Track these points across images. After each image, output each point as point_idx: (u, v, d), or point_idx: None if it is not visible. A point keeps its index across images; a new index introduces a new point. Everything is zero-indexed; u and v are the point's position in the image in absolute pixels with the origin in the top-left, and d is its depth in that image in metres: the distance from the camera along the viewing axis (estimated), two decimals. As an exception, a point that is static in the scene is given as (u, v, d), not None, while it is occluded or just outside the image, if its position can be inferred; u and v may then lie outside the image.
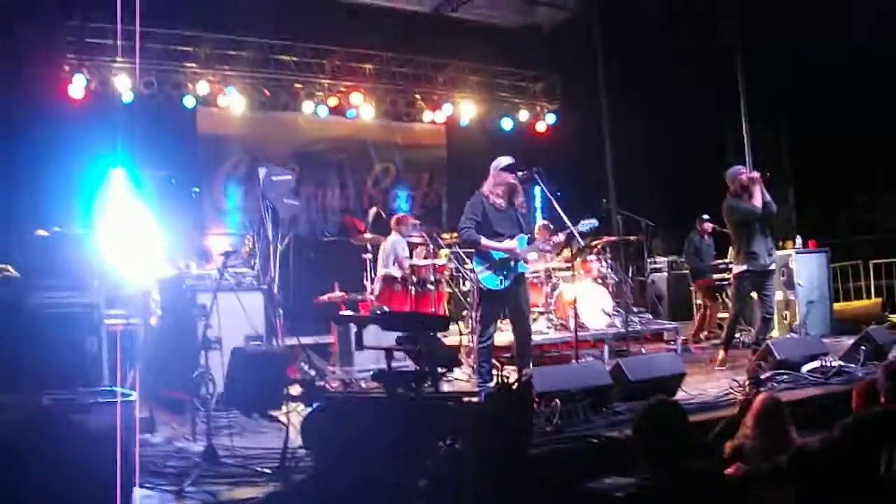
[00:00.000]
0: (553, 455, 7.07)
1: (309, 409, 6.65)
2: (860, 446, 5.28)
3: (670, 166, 17.95)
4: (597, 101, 18.58)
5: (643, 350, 13.40)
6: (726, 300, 14.27)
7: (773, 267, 11.55)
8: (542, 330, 12.90)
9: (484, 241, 9.58)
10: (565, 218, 9.75)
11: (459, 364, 11.20)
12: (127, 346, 8.59)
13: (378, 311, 9.34)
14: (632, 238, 14.82)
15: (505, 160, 9.79)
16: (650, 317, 15.11)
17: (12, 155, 12.55)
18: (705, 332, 15.06)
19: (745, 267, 11.29)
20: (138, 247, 10.80)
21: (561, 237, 9.93)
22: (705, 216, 14.70)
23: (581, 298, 12.56)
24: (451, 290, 13.22)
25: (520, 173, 9.74)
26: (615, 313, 13.65)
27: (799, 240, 15.16)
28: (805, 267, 14.64)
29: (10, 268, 8.89)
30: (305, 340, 10.64)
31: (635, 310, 14.62)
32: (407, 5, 17.70)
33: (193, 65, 16.03)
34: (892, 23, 15.34)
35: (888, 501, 5.05)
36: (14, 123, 12.74)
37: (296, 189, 11.32)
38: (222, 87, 16.32)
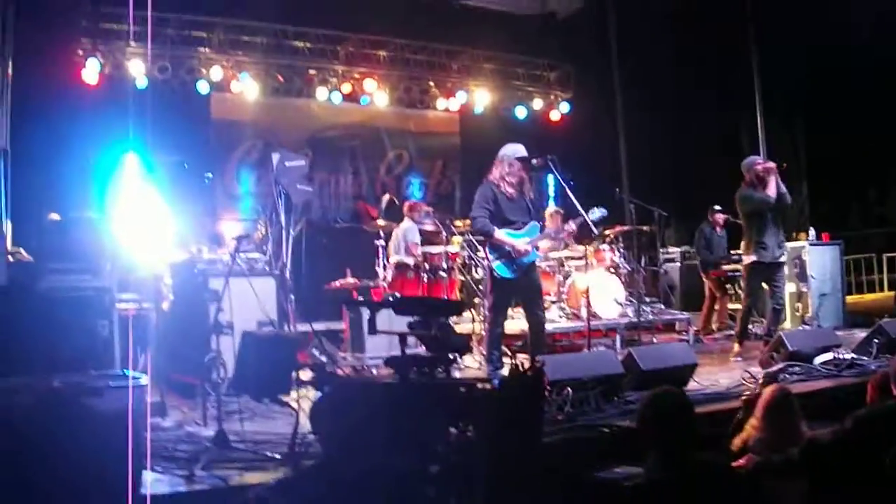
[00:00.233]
0: (564, 444, 7.06)
1: (318, 394, 6.65)
2: (872, 440, 5.26)
3: (684, 157, 17.94)
4: (611, 91, 18.53)
5: (655, 340, 13.39)
6: (738, 291, 14.23)
7: (783, 259, 11.52)
8: (553, 319, 12.88)
9: (497, 233, 9.56)
10: (579, 206, 9.72)
11: (470, 350, 11.22)
12: (138, 330, 8.60)
13: (391, 297, 9.34)
14: (644, 228, 14.81)
15: (517, 150, 9.73)
16: (662, 307, 15.09)
17: (26, 139, 12.55)
18: (716, 324, 15.03)
19: (754, 258, 11.26)
20: (151, 231, 10.81)
21: (573, 225, 9.89)
22: (717, 207, 14.64)
23: (593, 288, 12.54)
24: (463, 278, 13.20)
25: (534, 161, 9.72)
26: (627, 303, 13.64)
27: (812, 232, 15.11)
28: (818, 259, 14.61)
29: (22, 251, 8.92)
30: (317, 327, 10.62)
31: (647, 300, 14.60)
32: (421, -8, 17.68)
33: (207, 50, 16.02)
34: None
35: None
36: (28, 107, 12.74)
37: (309, 175, 11.30)
38: (236, 73, 16.30)
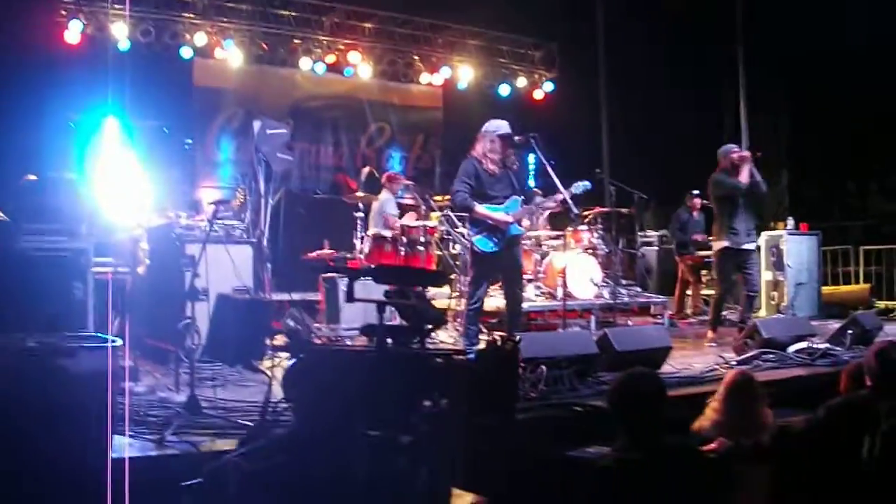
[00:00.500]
0: (536, 421, 7.07)
1: (291, 361, 6.62)
2: (844, 429, 5.28)
3: (665, 141, 17.96)
4: (595, 72, 18.54)
5: (630, 322, 13.40)
6: (712, 276, 14.28)
7: (751, 246, 11.51)
8: (530, 297, 12.87)
9: (477, 207, 9.52)
10: (559, 185, 9.69)
11: (446, 325, 11.22)
12: (114, 294, 8.57)
13: (371, 267, 9.32)
14: (623, 210, 14.82)
15: (500, 126, 9.68)
16: (638, 290, 15.12)
17: (4, 98, 12.47)
18: (691, 308, 15.09)
19: (725, 243, 11.28)
20: (129, 195, 10.77)
21: (557, 199, 9.82)
22: (695, 192, 14.66)
23: (570, 268, 12.57)
24: (440, 253, 13.18)
25: (515, 139, 9.68)
26: (603, 284, 13.65)
27: (791, 221, 15.15)
28: (795, 248, 14.68)
29: (-1, 211, 8.86)
30: (292, 297, 10.61)
31: (624, 282, 14.62)
32: (409, -34, 17.62)
33: (192, 15, 15.90)
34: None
35: (867, 485, 5.06)
36: (7, 67, 12.65)
37: (289, 144, 11.24)
38: (220, 40, 16.19)
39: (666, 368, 9.03)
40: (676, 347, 9.86)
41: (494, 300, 11.48)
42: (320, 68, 17.42)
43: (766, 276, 14.69)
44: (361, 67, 17.74)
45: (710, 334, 11.62)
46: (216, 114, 17.03)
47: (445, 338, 11.31)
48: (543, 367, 7.90)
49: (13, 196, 8.88)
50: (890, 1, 15.39)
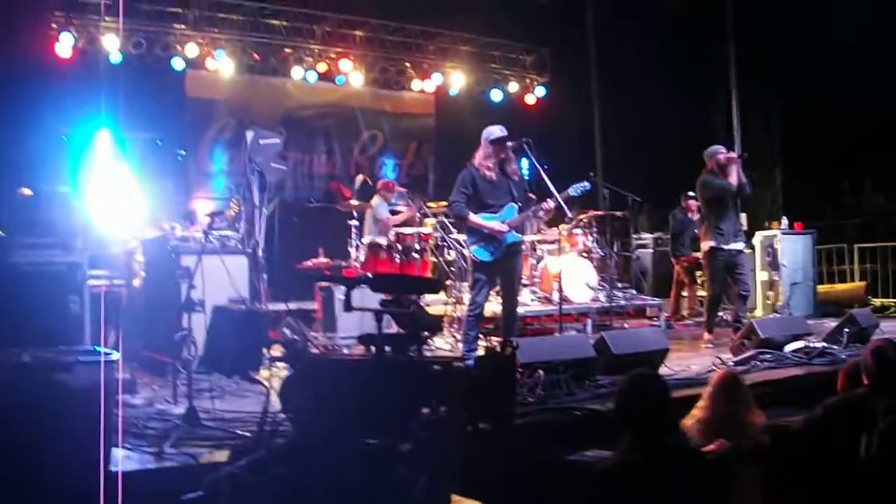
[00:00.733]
0: (535, 426, 7.07)
1: (288, 372, 6.61)
2: (841, 428, 5.28)
3: (658, 144, 17.98)
4: (587, 76, 18.54)
5: (626, 325, 13.39)
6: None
7: (740, 246, 11.50)
8: (525, 302, 12.86)
9: (471, 217, 9.50)
10: (553, 189, 9.68)
11: (442, 332, 11.24)
12: (110, 306, 8.57)
13: (368, 275, 9.32)
14: (618, 213, 14.82)
15: (495, 131, 9.67)
16: (634, 292, 15.10)
17: (-2, 112, 12.49)
18: (687, 310, 15.09)
19: (711, 243, 11.30)
20: (122, 207, 10.78)
21: (551, 204, 9.79)
22: (690, 193, 14.65)
23: (566, 272, 12.57)
24: (435, 260, 13.18)
25: (509, 143, 9.67)
26: (599, 288, 13.65)
27: (785, 221, 15.16)
28: (790, 248, 14.70)
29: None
30: (289, 306, 10.61)
31: (619, 285, 14.61)
32: (399, -27, 17.62)
33: (183, 26, 15.88)
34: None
35: (865, 484, 5.06)
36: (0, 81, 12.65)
37: (282, 153, 11.24)
38: (211, 50, 16.17)
39: (663, 371, 9.02)
40: (673, 349, 9.87)
41: (490, 306, 11.47)
42: (312, 77, 17.40)
43: (762, 275, 14.72)
44: (353, 75, 17.73)
45: (706, 336, 11.63)
46: (209, 125, 17.03)
47: (442, 344, 11.33)
48: (541, 372, 7.91)
49: (7, 210, 8.88)
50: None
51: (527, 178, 10.36)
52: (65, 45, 14.69)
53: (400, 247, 12.68)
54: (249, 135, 10.51)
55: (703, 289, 14.73)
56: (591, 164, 17.27)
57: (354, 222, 13.43)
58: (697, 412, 6.00)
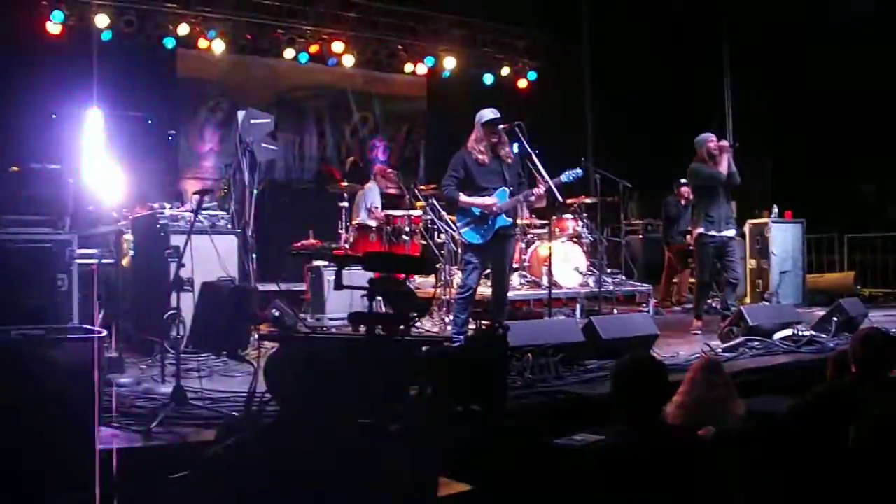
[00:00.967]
0: (522, 409, 7.07)
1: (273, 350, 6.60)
2: (829, 416, 5.29)
3: (650, 130, 17.95)
4: (579, 61, 18.54)
5: (615, 311, 13.39)
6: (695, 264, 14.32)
7: (729, 234, 11.51)
8: (514, 286, 12.86)
9: (462, 197, 9.49)
10: (545, 173, 9.66)
11: (431, 313, 11.26)
12: (98, 285, 8.54)
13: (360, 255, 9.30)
14: (609, 199, 14.82)
15: (487, 113, 9.65)
16: (623, 278, 15.12)
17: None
18: (676, 297, 15.11)
19: (700, 230, 11.33)
20: (112, 186, 10.73)
21: (542, 189, 9.77)
22: (683, 180, 14.65)
23: (555, 256, 12.56)
24: (424, 242, 13.17)
25: (501, 126, 9.64)
26: (588, 273, 13.66)
27: (775, 209, 15.17)
28: (780, 236, 14.70)
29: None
30: (275, 287, 10.61)
31: (609, 270, 14.62)
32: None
33: (175, 5, 15.80)
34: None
35: (852, 472, 5.06)
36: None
37: (274, 134, 11.20)
38: (203, 30, 16.10)
39: (652, 356, 9.03)
40: (662, 336, 9.88)
41: (480, 289, 11.47)
42: (304, 58, 17.33)
43: (751, 263, 14.73)
44: (345, 57, 17.66)
45: (695, 323, 11.65)
46: (200, 104, 16.99)
47: (430, 327, 11.33)
48: (529, 355, 7.92)
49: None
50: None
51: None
52: (55, 23, 14.60)
53: (390, 229, 12.67)
54: (241, 114, 10.47)
55: (693, 276, 14.76)
56: (583, 150, 17.26)
57: (345, 204, 13.41)
58: (677, 397, 6.00)
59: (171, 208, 10.56)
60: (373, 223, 12.88)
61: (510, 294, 10.85)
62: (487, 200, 9.45)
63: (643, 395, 4.79)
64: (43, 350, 5.20)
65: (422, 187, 13.52)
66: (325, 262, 11.81)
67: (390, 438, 4.41)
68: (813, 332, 10.26)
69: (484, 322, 10.15)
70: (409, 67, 18.74)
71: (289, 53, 17.16)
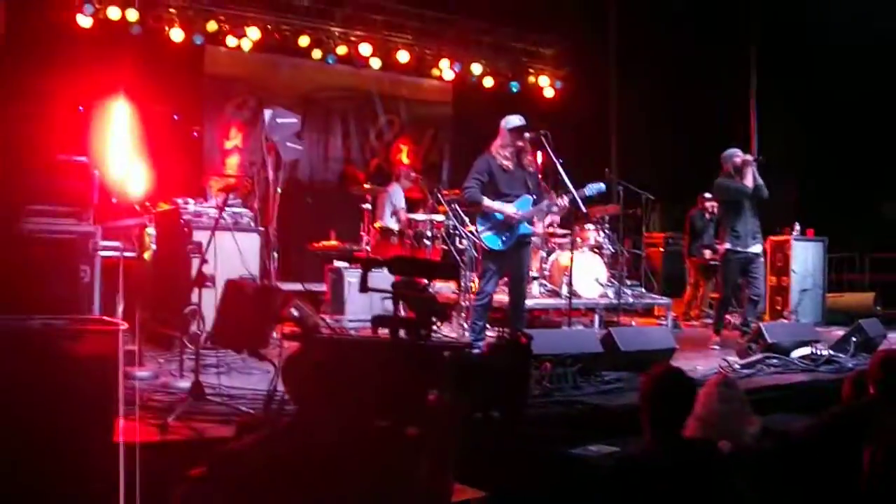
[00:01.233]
0: (539, 418, 7.08)
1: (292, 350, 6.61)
2: (845, 436, 5.28)
3: (675, 144, 17.92)
4: (606, 71, 18.52)
5: (633, 323, 13.40)
6: (718, 279, 14.29)
7: (755, 250, 11.51)
8: (534, 294, 12.87)
9: (486, 202, 9.52)
10: (569, 183, 9.67)
11: (449, 319, 11.27)
12: (120, 278, 8.58)
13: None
14: (631, 211, 14.80)
15: (514, 120, 9.67)
16: (643, 290, 15.10)
17: (15, 81, 12.48)
18: (695, 310, 15.08)
19: (727, 245, 11.36)
20: (137, 180, 10.78)
21: (565, 200, 9.79)
22: (707, 194, 14.64)
23: (576, 266, 12.55)
24: (446, 247, 13.18)
25: (527, 134, 9.66)
26: (608, 284, 13.64)
27: (797, 227, 15.14)
28: (801, 254, 14.70)
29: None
30: (298, 287, 10.62)
31: (629, 282, 14.60)
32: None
33: (205, 2, 15.85)
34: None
35: (867, 495, 5.05)
36: (19, 49, 12.66)
37: (299, 133, 11.23)
38: (232, 28, 16.15)
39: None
40: (680, 349, 9.88)
41: (498, 296, 11.48)
42: (331, 60, 17.36)
43: (771, 280, 14.70)
44: (372, 60, 17.68)
45: (713, 338, 11.64)
46: (226, 102, 17.00)
47: (448, 332, 11.34)
48: (548, 364, 7.92)
49: (23, 178, 8.90)
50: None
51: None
52: (86, 16, 14.66)
53: (411, 233, 12.69)
54: (267, 112, 10.49)
55: (715, 290, 14.73)
56: (606, 160, 17.26)
57: (367, 206, 13.43)
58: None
59: (194, 204, 10.60)
60: (395, 226, 12.90)
61: (529, 302, 10.85)
62: (509, 209, 9.46)
63: (671, 408, 4.80)
64: (65, 340, 5.22)
65: (445, 192, 13.53)
66: (347, 264, 11.84)
67: (407, 442, 4.41)
68: (831, 352, 10.23)
69: (504, 329, 10.15)
70: (435, 72, 18.75)
71: (316, 54, 17.19)
